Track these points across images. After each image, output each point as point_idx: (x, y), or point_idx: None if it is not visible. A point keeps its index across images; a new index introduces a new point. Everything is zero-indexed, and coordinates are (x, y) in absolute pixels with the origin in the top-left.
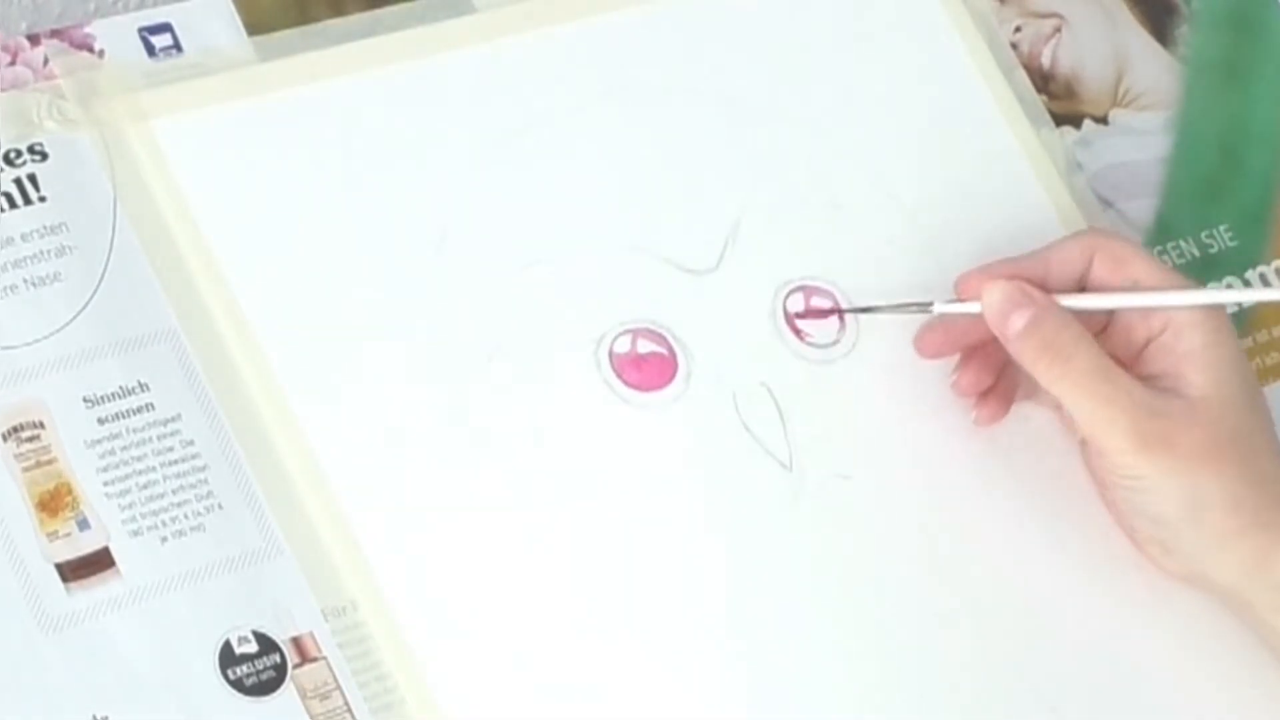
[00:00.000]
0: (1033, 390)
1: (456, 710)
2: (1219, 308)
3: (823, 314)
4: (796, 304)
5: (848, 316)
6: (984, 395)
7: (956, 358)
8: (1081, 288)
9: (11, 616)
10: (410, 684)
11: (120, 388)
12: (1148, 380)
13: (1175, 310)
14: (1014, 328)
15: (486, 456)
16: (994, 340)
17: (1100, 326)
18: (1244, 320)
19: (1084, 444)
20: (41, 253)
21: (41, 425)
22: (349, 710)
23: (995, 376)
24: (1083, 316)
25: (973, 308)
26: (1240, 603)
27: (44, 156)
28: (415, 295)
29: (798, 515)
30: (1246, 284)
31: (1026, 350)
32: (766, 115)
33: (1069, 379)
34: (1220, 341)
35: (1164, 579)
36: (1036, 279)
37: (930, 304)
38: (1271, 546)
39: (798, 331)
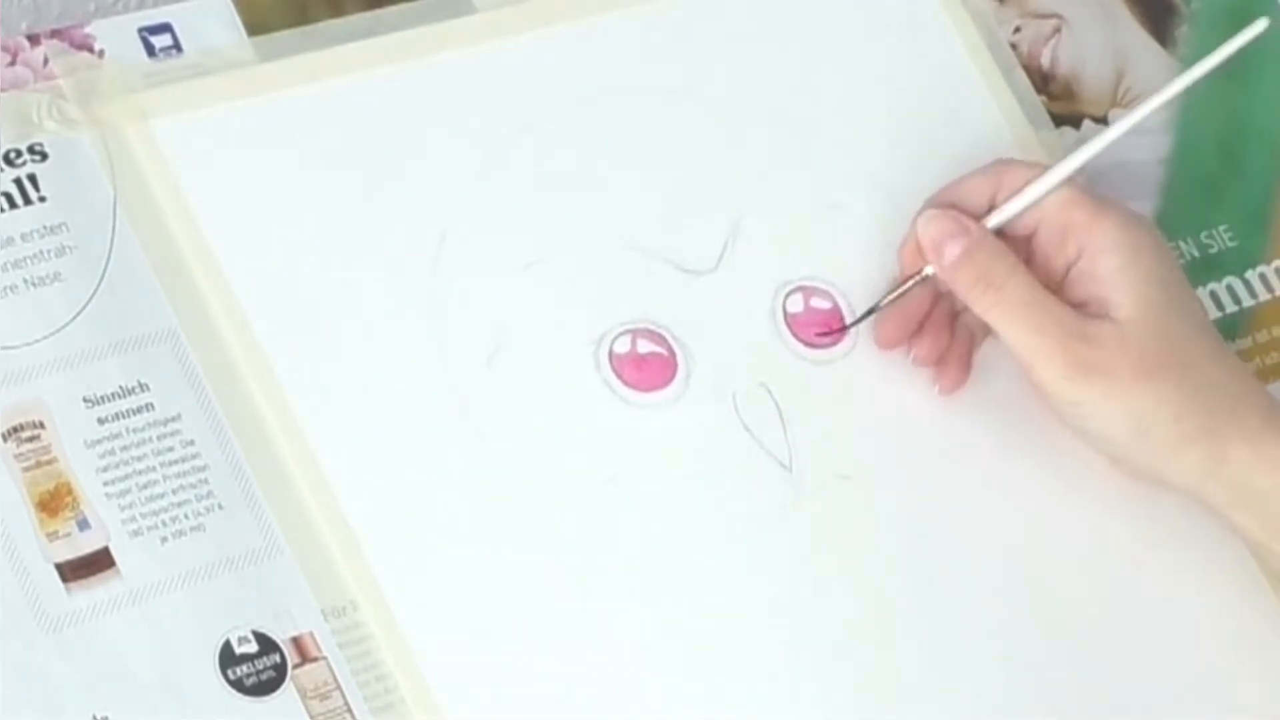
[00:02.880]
0: (986, 331)
1: (456, 710)
2: (1132, 223)
3: (829, 334)
4: (796, 304)
5: (849, 320)
6: (941, 363)
7: None
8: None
9: (11, 616)
10: (410, 684)
11: (120, 388)
12: (1075, 308)
13: (1090, 236)
14: (949, 257)
15: (486, 456)
16: (939, 302)
17: (1023, 258)
18: (1244, 320)
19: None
20: (41, 253)
21: (41, 425)
22: (349, 710)
23: (949, 334)
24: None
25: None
26: (1200, 500)
27: (44, 156)
28: (415, 295)
29: (798, 515)
30: (1247, 284)
31: (961, 280)
32: (766, 115)
33: (1001, 308)
34: (1138, 260)
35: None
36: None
37: (920, 271)
38: (1223, 449)
39: (796, 332)
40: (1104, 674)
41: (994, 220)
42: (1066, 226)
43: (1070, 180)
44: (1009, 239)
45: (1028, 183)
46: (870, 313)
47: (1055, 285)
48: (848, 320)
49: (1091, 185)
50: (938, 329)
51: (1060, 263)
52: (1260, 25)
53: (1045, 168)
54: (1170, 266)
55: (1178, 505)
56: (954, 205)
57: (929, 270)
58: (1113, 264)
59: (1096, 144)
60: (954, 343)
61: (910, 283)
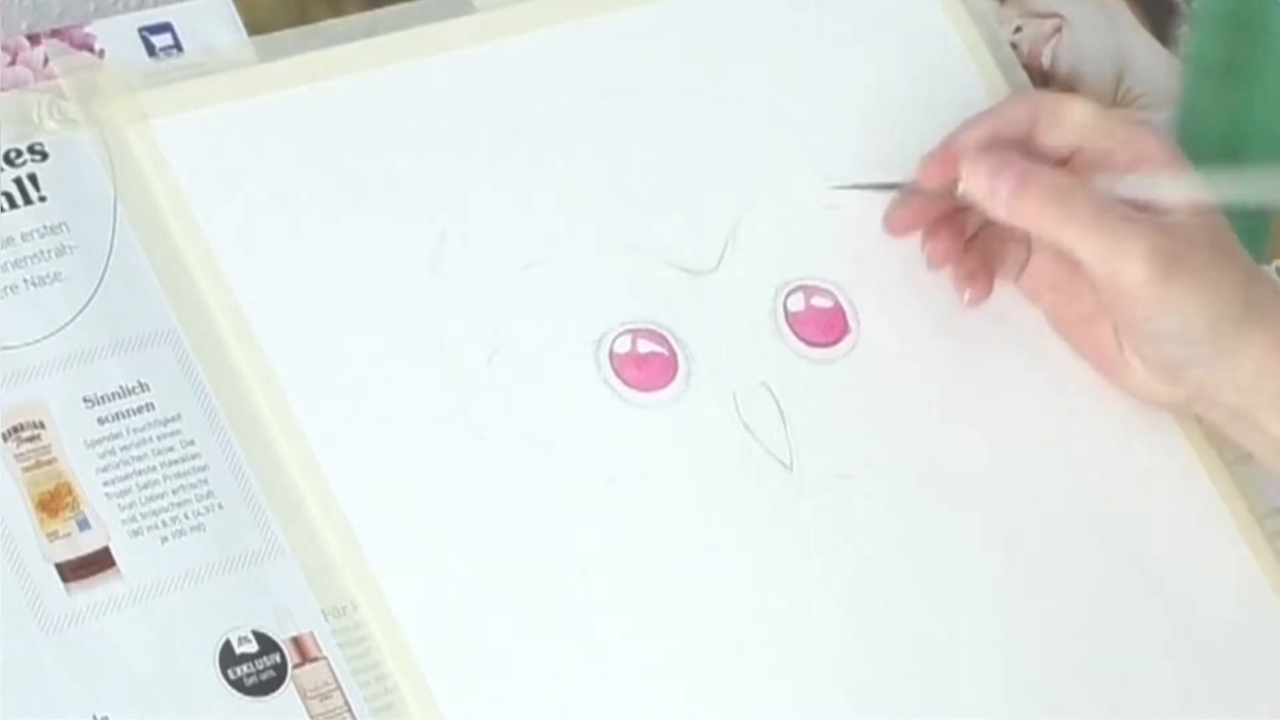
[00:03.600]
0: (998, 265)
1: (456, 710)
2: (1160, 140)
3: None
4: (797, 303)
5: (850, 321)
6: (969, 273)
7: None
8: (1026, 149)
9: (11, 616)
10: (410, 684)
11: (120, 388)
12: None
13: (1136, 147)
14: (1004, 193)
15: (486, 456)
16: (957, 214)
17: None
18: None
19: (1098, 288)
20: (42, 252)
21: (42, 425)
22: (349, 710)
23: (963, 242)
24: None
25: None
26: (1242, 414)
27: (44, 156)
28: (415, 295)
29: (798, 515)
30: None
31: (1026, 207)
32: (766, 115)
33: (1074, 221)
34: (1182, 164)
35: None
36: (985, 140)
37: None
38: (1278, 334)
39: (797, 331)
40: (1105, 674)
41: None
42: (1110, 142)
43: (1097, 104)
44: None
45: (1065, 105)
46: (891, 187)
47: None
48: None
49: None
50: (951, 234)
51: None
52: None
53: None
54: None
55: (1192, 501)
56: (994, 135)
57: (961, 188)
58: (1166, 170)
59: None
60: (970, 255)
61: (908, 184)
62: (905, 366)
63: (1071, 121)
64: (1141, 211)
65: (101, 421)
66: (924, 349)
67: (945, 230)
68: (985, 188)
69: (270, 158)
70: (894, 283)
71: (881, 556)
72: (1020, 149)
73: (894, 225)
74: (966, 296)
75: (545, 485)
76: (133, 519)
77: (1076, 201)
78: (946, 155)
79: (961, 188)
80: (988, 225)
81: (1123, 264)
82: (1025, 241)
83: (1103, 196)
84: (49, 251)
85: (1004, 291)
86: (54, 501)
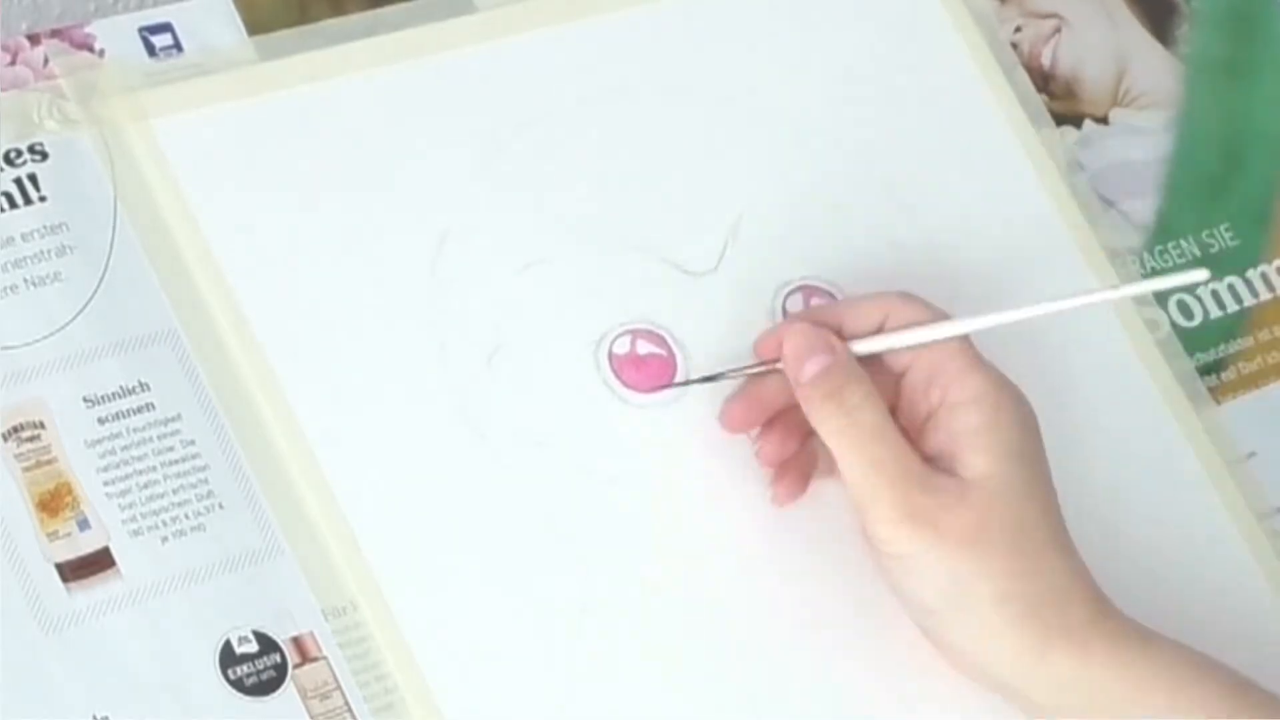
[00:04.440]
0: (832, 466)
1: (456, 710)
2: (1002, 390)
3: (658, 387)
4: (796, 304)
5: None
6: (782, 470)
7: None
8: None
9: (12, 616)
10: (410, 684)
11: (120, 387)
12: (928, 460)
13: (957, 388)
14: (808, 372)
15: (486, 456)
16: (796, 407)
17: (889, 402)
18: (1244, 319)
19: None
20: (42, 252)
21: (42, 425)
22: (349, 710)
23: (798, 444)
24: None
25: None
26: (1022, 699)
27: (44, 156)
28: (415, 295)
29: (796, 516)
30: (1248, 283)
31: (814, 396)
32: (766, 115)
33: (847, 434)
34: (998, 425)
35: None
36: (833, 328)
37: (776, 361)
38: (1047, 643)
39: None
40: None
41: (861, 347)
42: (936, 373)
43: (965, 336)
44: (881, 374)
45: (918, 321)
46: (709, 379)
47: (915, 432)
48: (679, 378)
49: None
50: (786, 435)
51: (923, 409)
52: (1200, 275)
53: (938, 316)
54: (1031, 442)
55: (1184, 498)
56: (839, 322)
57: (780, 365)
58: (971, 422)
59: (995, 317)
60: (800, 454)
61: (761, 366)
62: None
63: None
64: (936, 462)
65: (102, 421)
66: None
67: (780, 429)
68: (794, 357)
69: (270, 158)
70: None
71: None
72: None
73: (729, 421)
74: (770, 494)
75: (545, 485)
76: (133, 519)
77: (858, 414)
78: (780, 331)
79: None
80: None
81: (868, 498)
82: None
83: (886, 421)
84: (49, 251)
85: (1004, 292)
86: (54, 501)
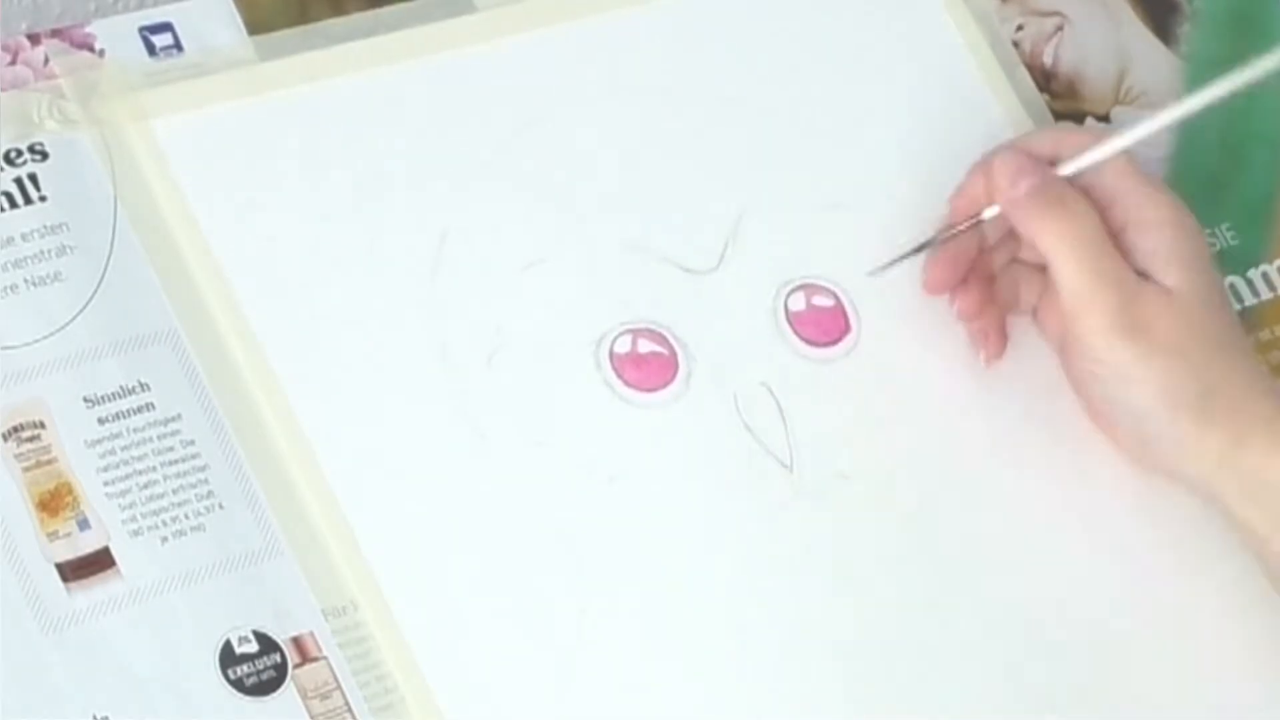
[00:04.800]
0: (1023, 300)
1: (456, 710)
2: (1179, 209)
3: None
4: (798, 302)
5: (851, 321)
6: (983, 331)
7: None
8: None
9: (12, 616)
10: (410, 684)
11: (120, 387)
12: None
13: (1142, 208)
14: (1025, 186)
15: (486, 456)
16: (983, 258)
17: None
18: (1246, 319)
19: (1063, 334)
20: (42, 252)
21: (42, 425)
22: (349, 710)
23: (989, 292)
24: None
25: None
26: (1211, 494)
27: (44, 156)
28: (416, 295)
29: (798, 514)
30: (1249, 283)
31: (1037, 204)
32: (766, 115)
33: (1070, 238)
34: (1186, 239)
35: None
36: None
37: (978, 217)
38: (1242, 433)
39: (798, 331)
40: (1103, 674)
41: (1066, 169)
42: (1117, 194)
43: (1128, 152)
44: None
45: (1089, 147)
46: (922, 248)
47: None
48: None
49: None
50: (982, 282)
51: (1110, 230)
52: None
53: (1103, 134)
54: (1208, 255)
55: (1185, 508)
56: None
57: (988, 213)
58: (1164, 238)
59: (1164, 116)
60: (990, 308)
61: (968, 223)
62: (906, 366)
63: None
64: (1142, 276)
65: (102, 421)
66: (925, 348)
67: (974, 282)
68: (1009, 175)
69: (270, 157)
70: (895, 282)
71: (881, 556)
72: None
73: (932, 284)
74: (983, 356)
75: (545, 485)
76: (133, 519)
77: (1081, 220)
78: (973, 191)
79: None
80: (1010, 264)
81: (1088, 307)
82: (1042, 281)
83: (1103, 229)
84: (49, 251)
85: None
86: (54, 501)
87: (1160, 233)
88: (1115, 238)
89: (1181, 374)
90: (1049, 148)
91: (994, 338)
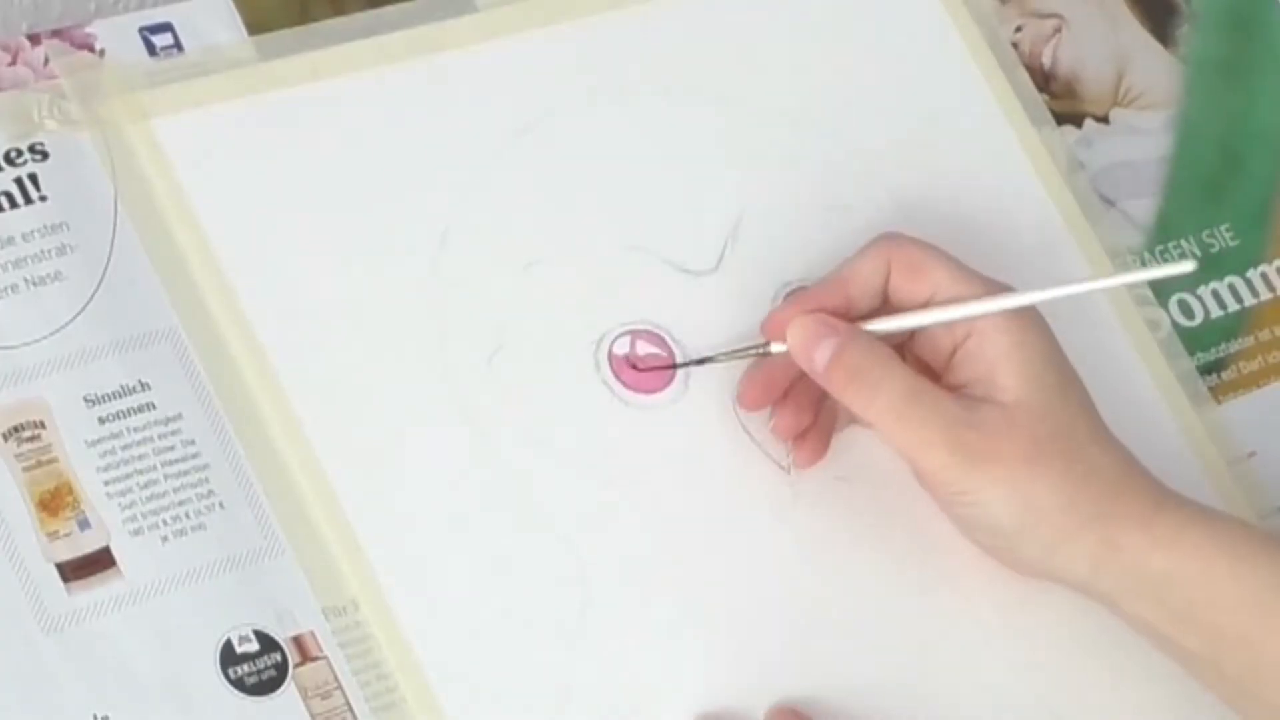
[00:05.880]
0: (854, 416)
1: (457, 709)
2: (1020, 310)
3: (657, 368)
4: None
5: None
6: (801, 437)
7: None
8: (885, 299)
9: (12, 616)
10: (410, 684)
11: (121, 387)
12: (960, 389)
13: (980, 319)
14: (820, 361)
15: (486, 456)
16: (806, 377)
17: (906, 338)
18: (1245, 319)
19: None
20: (42, 252)
21: (42, 425)
22: (350, 709)
23: (814, 413)
24: (888, 334)
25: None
26: (1096, 594)
27: (45, 156)
28: (416, 295)
29: (796, 517)
30: (1248, 283)
31: (834, 382)
32: (766, 115)
33: (878, 406)
34: (1027, 341)
35: None
36: (839, 302)
37: (768, 344)
38: (1114, 535)
39: None
40: (1104, 673)
41: (873, 326)
42: (956, 305)
43: (954, 260)
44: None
45: (921, 257)
46: (702, 361)
47: (941, 365)
48: (678, 360)
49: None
50: (799, 407)
51: (948, 343)
52: (1187, 266)
53: (931, 248)
54: (1057, 350)
55: (1171, 478)
56: (843, 290)
57: (775, 347)
58: (1002, 344)
59: (1005, 300)
60: (817, 420)
61: (749, 347)
62: None
63: (927, 285)
64: (971, 389)
65: (102, 421)
66: None
67: (792, 402)
68: (803, 352)
69: (271, 157)
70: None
71: (878, 559)
72: (874, 298)
73: (746, 401)
74: (792, 460)
75: (545, 485)
76: (133, 518)
77: (884, 386)
78: (793, 310)
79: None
80: None
81: (922, 452)
82: None
83: (911, 379)
84: (49, 251)
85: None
86: (54, 501)
87: (1001, 337)
88: (956, 349)
89: (1036, 490)
90: (880, 267)
91: (805, 450)
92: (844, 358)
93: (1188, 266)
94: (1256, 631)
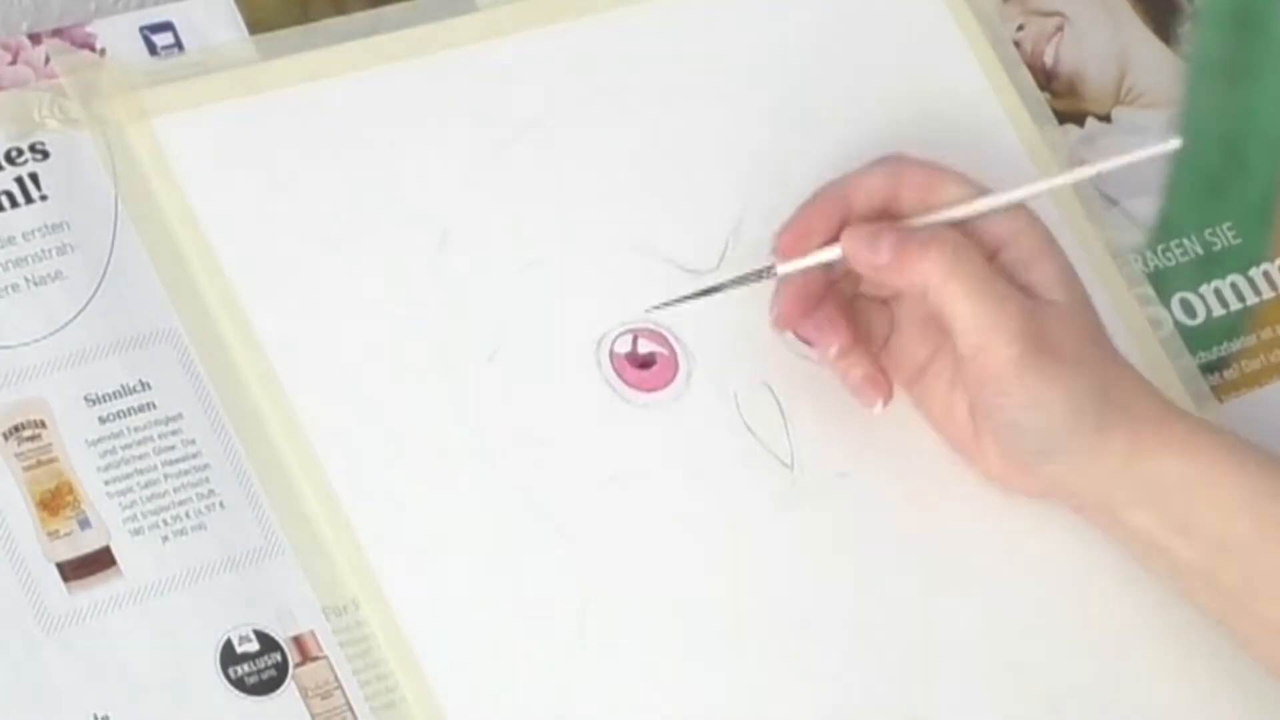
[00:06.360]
0: (887, 332)
1: (457, 709)
2: (1034, 219)
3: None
4: None
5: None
6: (867, 377)
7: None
8: (884, 216)
9: (12, 616)
10: (410, 683)
11: (121, 386)
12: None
13: (1014, 228)
14: (886, 247)
15: (487, 456)
16: (828, 297)
17: None
18: (1247, 318)
19: (960, 365)
20: (43, 251)
21: (43, 424)
22: (350, 709)
23: (849, 327)
24: None
25: (828, 254)
26: (1101, 504)
27: (45, 155)
28: (416, 295)
29: (799, 513)
30: (1250, 282)
31: (908, 256)
32: (767, 115)
33: (959, 277)
34: (1056, 247)
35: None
36: (841, 213)
37: (772, 267)
38: (1138, 433)
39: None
40: (1104, 671)
41: (917, 222)
42: (985, 224)
43: (970, 184)
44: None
45: (932, 170)
46: (709, 291)
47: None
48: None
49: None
50: (840, 317)
51: (985, 255)
52: (1173, 144)
53: (941, 168)
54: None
55: None
56: (845, 202)
57: (781, 268)
58: (1038, 247)
59: (1021, 191)
60: (859, 345)
61: (753, 273)
62: None
63: (943, 198)
64: (1049, 307)
65: (102, 420)
66: None
67: (832, 318)
68: (867, 246)
69: (271, 156)
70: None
71: (881, 555)
72: (882, 216)
73: (782, 319)
74: (878, 404)
75: (545, 485)
76: (134, 518)
77: (962, 255)
78: (800, 226)
79: (842, 250)
80: (854, 298)
81: (994, 339)
82: (889, 316)
83: (979, 253)
84: (50, 250)
85: None
86: (55, 500)
87: (1033, 245)
88: (991, 260)
89: (1084, 386)
90: (882, 187)
91: (879, 378)
92: (913, 238)
93: (1173, 144)
94: (1253, 539)
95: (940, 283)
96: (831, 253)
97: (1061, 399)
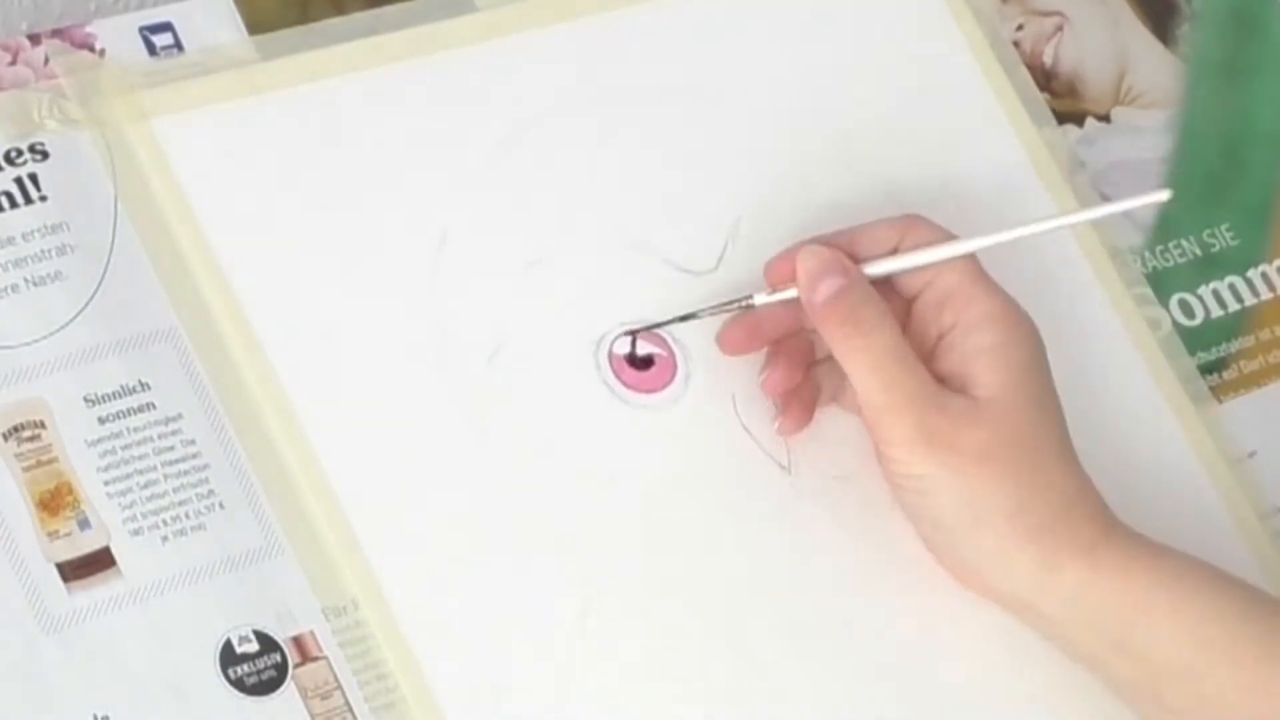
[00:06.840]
0: (837, 392)
1: (457, 709)
2: (1012, 311)
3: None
4: None
5: None
6: (787, 401)
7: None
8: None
9: (12, 616)
10: (410, 683)
11: (121, 387)
12: (940, 381)
13: (969, 309)
14: (822, 294)
15: (486, 457)
16: (800, 334)
17: (899, 323)
18: (1245, 319)
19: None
20: (42, 252)
21: (42, 425)
22: (349, 709)
23: (802, 374)
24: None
25: (792, 293)
26: (1032, 614)
27: (45, 155)
28: (416, 295)
29: (796, 516)
30: (1248, 283)
31: (831, 317)
32: (766, 115)
33: (864, 354)
34: (1011, 341)
35: None
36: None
37: (751, 297)
38: (1056, 556)
39: None
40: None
41: (875, 269)
42: (949, 295)
43: (970, 255)
44: (893, 298)
45: (930, 244)
46: (686, 318)
47: (926, 354)
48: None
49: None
50: (791, 364)
51: (934, 330)
52: (1162, 195)
53: (951, 237)
54: (1042, 363)
55: (1184, 497)
56: (852, 246)
57: (758, 299)
58: (984, 342)
59: (1007, 234)
60: (805, 385)
61: (732, 301)
62: None
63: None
64: (949, 382)
65: (102, 421)
66: None
67: (785, 358)
68: (809, 281)
69: (271, 157)
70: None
71: (878, 558)
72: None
73: (727, 343)
74: (776, 424)
75: (545, 485)
76: (133, 518)
77: (876, 335)
78: (785, 267)
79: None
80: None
81: (887, 419)
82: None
83: (901, 342)
84: (50, 251)
85: (1006, 289)
86: (54, 501)
87: (982, 335)
88: (941, 338)
89: (985, 490)
90: (892, 237)
91: (795, 411)
92: (846, 296)
93: (1163, 195)
94: (1199, 664)
95: (846, 355)
96: (791, 292)
97: (955, 495)
